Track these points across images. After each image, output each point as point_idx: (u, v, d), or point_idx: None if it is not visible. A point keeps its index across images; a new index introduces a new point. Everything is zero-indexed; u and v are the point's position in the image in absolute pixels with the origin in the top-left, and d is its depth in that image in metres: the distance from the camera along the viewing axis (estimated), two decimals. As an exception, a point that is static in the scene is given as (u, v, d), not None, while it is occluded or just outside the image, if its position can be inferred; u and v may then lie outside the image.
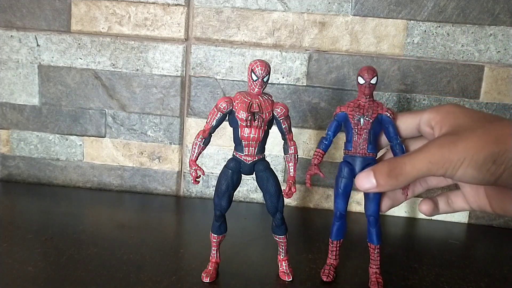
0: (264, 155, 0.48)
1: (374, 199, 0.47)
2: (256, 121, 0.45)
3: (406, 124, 0.46)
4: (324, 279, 0.49)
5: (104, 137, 0.73)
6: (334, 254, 0.50)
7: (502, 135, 0.37)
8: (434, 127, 0.43)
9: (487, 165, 0.37)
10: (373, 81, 0.47)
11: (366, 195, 0.48)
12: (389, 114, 0.47)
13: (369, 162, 0.47)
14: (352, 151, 0.48)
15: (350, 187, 0.48)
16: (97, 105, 0.72)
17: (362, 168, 0.47)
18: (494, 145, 0.37)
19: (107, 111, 0.72)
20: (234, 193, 0.48)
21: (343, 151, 0.49)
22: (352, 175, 0.47)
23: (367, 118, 0.47)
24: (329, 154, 0.69)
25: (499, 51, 0.66)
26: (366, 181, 0.41)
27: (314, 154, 0.49)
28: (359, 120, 0.47)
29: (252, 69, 0.45)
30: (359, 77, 0.47)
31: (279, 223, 0.49)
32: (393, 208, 0.49)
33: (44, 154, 0.74)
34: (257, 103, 0.45)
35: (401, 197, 0.48)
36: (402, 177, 0.39)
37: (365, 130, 0.47)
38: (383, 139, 0.48)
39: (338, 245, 0.50)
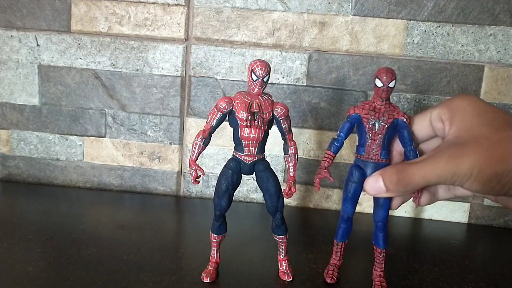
0: (264, 155, 0.48)
1: (384, 205, 0.46)
2: (256, 121, 0.45)
3: (419, 125, 0.45)
4: (328, 281, 0.49)
5: (104, 137, 0.73)
6: (339, 255, 0.50)
7: (505, 153, 0.37)
8: (444, 123, 0.42)
9: (491, 183, 0.38)
10: (392, 84, 0.44)
11: (376, 201, 0.47)
12: (405, 119, 0.45)
13: (381, 168, 0.45)
14: (364, 156, 0.46)
15: (359, 191, 0.47)
16: (97, 105, 0.72)
17: None
18: (498, 164, 0.37)
19: (107, 111, 0.72)
20: (234, 193, 0.48)
21: (355, 155, 0.47)
22: (363, 179, 0.46)
23: (382, 123, 0.45)
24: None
25: (499, 51, 0.66)
26: (376, 186, 0.41)
27: (324, 157, 0.47)
28: (373, 125, 0.45)
29: (252, 69, 0.45)
30: (377, 79, 0.44)
31: (279, 223, 0.49)
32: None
33: (44, 154, 0.74)
34: (257, 103, 0.45)
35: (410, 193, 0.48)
36: (411, 186, 0.40)
37: (379, 136, 0.45)
38: (398, 143, 0.47)
39: (342, 246, 0.50)
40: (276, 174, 0.48)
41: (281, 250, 0.50)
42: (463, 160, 0.38)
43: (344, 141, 0.47)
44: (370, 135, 0.45)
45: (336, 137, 0.48)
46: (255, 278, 0.49)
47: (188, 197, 0.74)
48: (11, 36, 0.71)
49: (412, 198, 0.47)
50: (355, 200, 0.47)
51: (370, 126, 0.45)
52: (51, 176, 0.75)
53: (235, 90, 0.69)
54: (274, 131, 0.48)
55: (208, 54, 0.69)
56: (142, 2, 0.69)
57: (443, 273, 0.53)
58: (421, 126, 0.45)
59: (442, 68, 0.67)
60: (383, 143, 0.45)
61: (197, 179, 0.47)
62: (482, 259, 0.59)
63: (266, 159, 0.48)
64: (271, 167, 0.48)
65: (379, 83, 0.45)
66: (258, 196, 0.73)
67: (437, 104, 0.45)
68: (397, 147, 0.47)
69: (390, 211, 0.48)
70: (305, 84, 0.69)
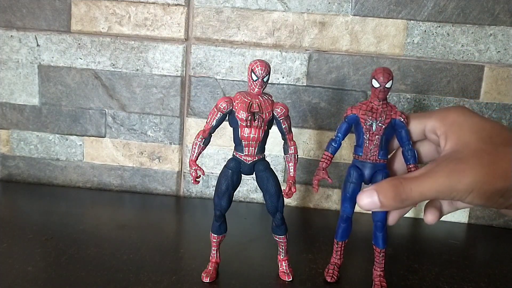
0: (264, 155, 0.48)
1: None
2: (256, 121, 0.45)
3: (412, 129, 0.45)
4: (328, 280, 0.49)
5: (104, 137, 0.73)
6: (339, 254, 0.50)
7: (508, 168, 0.37)
8: (439, 137, 0.42)
9: (495, 198, 0.37)
10: (389, 85, 0.44)
11: None
12: (402, 119, 0.45)
13: (380, 168, 0.46)
14: (362, 156, 0.46)
15: (358, 192, 0.46)
16: (97, 105, 0.72)
17: (372, 174, 0.46)
18: (503, 180, 0.37)
19: (107, 111, 0.72)
20: (234, 193, 0.48)
21: (353, 155, 0.47)
22: (361, 180, 0.46)
23: (379, 124, 0.45)
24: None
25: (499, 51, 0.66)
26: (370, 201, 0.39)
27: (322, 158, 0.48)
28: (371, 125, 0.45)
29: (252, 69, 0.45)
30: (374, 80, 0.44)
31: (279, 223, 0.49)
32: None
33: (44, 154, 0.74)
34: (257, 103, 0.45)
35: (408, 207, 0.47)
36: (407, 201, 0.39)
37: (377, 136, 0.45)
38: (395, 142, 0.47)
39: (343, 245, 0.50)
40: (276, 174, 0.48)
41: (281, 250, 0.50)
42: (464, 175, 0.37)
43: (342, 142, 0.47)
44: (368, 135, 0.45)
45: (334, 137, 0.48)
46: (255, 278, 0.49)
47: (188, 197, 0.74)
48: (11, 36, 0.71)
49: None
50: (353, 200, 0.47)
51: (368, 126, 0.45)
52: (51, 176, 0.75)
53: (235, 90, 0.69)
54: (274, 131, 0.48)
55: (208, 54, 0.69)
56: (142, 2, 0.69)
57: (443, 273, 0.53)
58: (414, 131, 0.45)
59: (442, 68, 0.67)
60: (380, 143, 0.45)
61: (197, 179, 0.47)
62: (482, 259, 0.59)
63: (266, 159, 0.48)
64: (271, 167, 0.48)
65: (376, 84, 0.45)
66: (258, 196, 0.73)
67: (432, 114, 0.44)
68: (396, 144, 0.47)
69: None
70: (305, 84, 0.69)
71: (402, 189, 0.39)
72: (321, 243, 0.59)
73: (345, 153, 0.70)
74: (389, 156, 0.48)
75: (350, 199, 0.47)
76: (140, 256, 0.53)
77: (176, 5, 0.68)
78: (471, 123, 0.40)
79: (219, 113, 0.46)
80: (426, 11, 0.65)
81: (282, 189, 0.48)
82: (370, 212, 0.48)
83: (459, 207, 0.46)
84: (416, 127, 0.45)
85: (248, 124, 0.45)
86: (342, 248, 0.50)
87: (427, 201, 0.47)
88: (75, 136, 0.73)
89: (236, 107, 0.45)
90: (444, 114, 0.43)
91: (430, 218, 0.45)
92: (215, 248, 0.50)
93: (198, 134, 0.47)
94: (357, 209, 0.61)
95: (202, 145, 0.47)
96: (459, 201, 0.45)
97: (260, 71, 0.44)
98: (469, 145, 0.39)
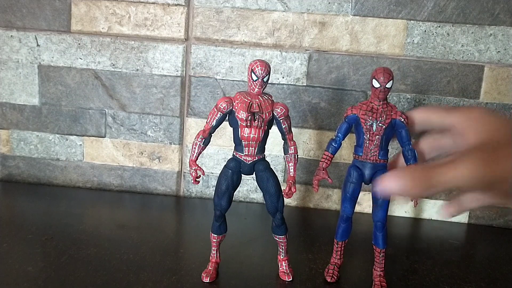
0: (264, 155, 0.48)
1: (383, 205, 0.46)
2: (256, 121, 0.45)
3: (425, 118, 0.44)
4: (328, 280, 0.49)
5: (104, 137, 0.73)
6: (339, 254, 0.50)
7: None
8: (463, 130, 0.41)
9: None
10: (389, 85, 0.44)
11: (375, 201, 0.47)
12: (402, 119, 0.45)
13: (379, 168, 0.46)
14: (362, 156, 0.46)
15: (358, 191, 0.47)
16: (97, 105, 0.72)
17: (372, 174, 0.46)
18: None
19: (107, 111, 0.72)
20: (234, 193, 0.48)
21: (353, 155, 0.47)
22: (361, 180, 0.46)
23: (380, 124, 0.45)
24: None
25: (499, 51, 0.66)
26: (394, 185, 0.36)
27: (322, 158, 0.48)
28: (371, 125, 0.45)
29: (252, 69, 0.45)
30: (374, 80, 0.45)
31: (279, 223, 0.49)
32: (393, 208, 0.49)
33: (44, 154, 0.74)
34: (257, 103, 0.45)
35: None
36: (434, 189, 0.36)
37: (377, 136, 0.45)
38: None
39: (343, 245, 0.50)
40: (276, 174, 0.48)
41: (281, 250, 0.50)
42: (493, 165, 0.35)
43: (342, 142, 0.48)
44: (368, 135, 0.45)
45: (334, 137, 0.48)
46: (255, 278, 0.49)
47: (188, 197, 0.74)
48: (11, 36, 0.71)
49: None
50: (354, 200, 0.47)
51: (368, 127, 0.45)
52: (51, 176, 0.75)
53: (235, 90, 0.69)
54: (274, 131, 0.48)
55: (208, 54, 0.69)
56: (142, 2, 0.69)
57: (443, 273, 0.53)
58: (426, 120, 0.44)
59: (442, 68, 0.67)
60: (381, 143, 0.45)
61: (197, 179, 0.47)
62: (482, 259, 0.59)
63: (266, 159, 0.48)
64: (271, 167, 0.48)
65: (376, 84, 0.45)
66: (258, 196, 0.73)
67: (454, 109, 0.43)
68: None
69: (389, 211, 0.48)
70: (305, 84, 0.69)
71: (428, 176, 0.37)
72: (321, 243, 0.59)
73: (345, 153, 0.70)
74: (389, 158, 0.48)
75: (350, 199, 0.47)
76: (140, 256, 0.53)
77: (176, 5, 0.68)
78: (495, 118, 0.40)
79: (219, 113, 0.46)
80: (426, 11, 0.65)
81: (282, 189, 0.48)
82: (370, 212, 0.49)
83: (484, 203, 0.45)
84: (435, 119, 0.43)
85: (248, 124, 0.45)
86: (342, 248, 0.50)
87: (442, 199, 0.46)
88: (75, 136, 0.73)
89: (236, 107, 0.45)
90: (466, 111, 0.42)
91: (449, 210, 0.44)
92: (215, 248, 0.50)
93: (198, 134, 0.47)
94: (357, 209, 0.61)
95: (202, 145, 0.47)
96: (482, 195, 0.44)
97: (260, 71, 0.44)
98: (496, 137, 0.38)
